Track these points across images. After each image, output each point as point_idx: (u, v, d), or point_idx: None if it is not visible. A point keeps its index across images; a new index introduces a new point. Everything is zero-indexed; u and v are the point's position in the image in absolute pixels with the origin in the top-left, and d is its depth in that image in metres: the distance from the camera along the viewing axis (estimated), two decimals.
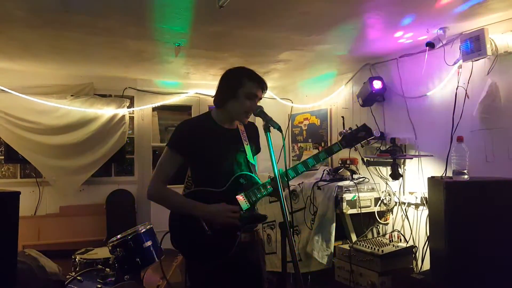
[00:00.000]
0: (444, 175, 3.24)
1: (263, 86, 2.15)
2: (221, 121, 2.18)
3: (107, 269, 3.15)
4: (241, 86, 2.09)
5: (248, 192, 2.09)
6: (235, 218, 2.04)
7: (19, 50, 3.84)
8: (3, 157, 4.74)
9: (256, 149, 2.31)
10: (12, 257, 2.25)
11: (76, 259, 3.32)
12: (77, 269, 3.25)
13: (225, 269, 2.07)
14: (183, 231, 2.11)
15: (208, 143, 2.11)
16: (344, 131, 2.29)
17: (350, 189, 3.75)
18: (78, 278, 3.05)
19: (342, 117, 4.51)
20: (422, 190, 3.54)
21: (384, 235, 3.88)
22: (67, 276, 3.11)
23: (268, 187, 2.11)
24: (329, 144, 4.88)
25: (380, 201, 3.85)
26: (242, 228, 2.07)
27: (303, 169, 2.15)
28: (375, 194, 3.87)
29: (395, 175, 3.60)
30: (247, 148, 2.19)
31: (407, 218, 3.72)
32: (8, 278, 2.20)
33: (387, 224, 3.93)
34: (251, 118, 2.21)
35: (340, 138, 2.29)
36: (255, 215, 2.13)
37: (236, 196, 2.07)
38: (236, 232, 2.05)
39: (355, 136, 2.23)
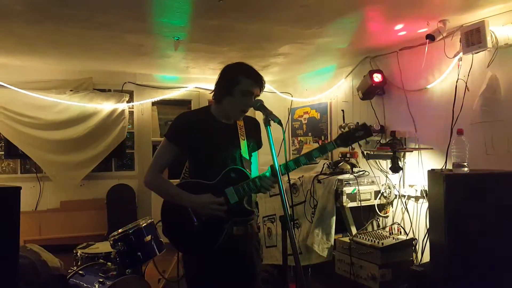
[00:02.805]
0: (444, 168, 3.25)
1: (260, 83, 2.12)
2: (219, 115, 2.20)
3: (109, 263, 3.17)
4: (237, 84, 2.09)
5: (237, 186, 2.10)
6: (220, 210, 2.07)
7: (18, 45, 3.82)
8: (3, 153, 4.74)
9: (257, 145, 2.32)
10: (14, 252, 2.26)
11: (78, 254, 3.34)
12: (79, 263, 3.27)
13: (218, 262, 2.10)
14: (174, 221, 2.16)
15: (204, 137, 2.14)
16: (344, 124, 2.28)
17: (350, 182, 3.76)
18: (80, 272, 3.07)
19: (342, 110, 4.50)
20: (422, 183, 3.55)
21: (384, 228, 3.90)
22: (69, 271, 3.13)
23: (257, 182, 2.10)
24: (329, 137, 4.89)
25: (380, 194, 3.86)
26: (229, 221, 2.09)
27: (294, 167, 2.13)
28: (375, 187, 3.88)
29: (395, 168, 3.61)
30: (243, 144, 2.20)
31: (407, 211, 3.74)
32: (10, 272, 2.21)
33: (387, 217, 3.94)
34: (252, 113, 2.22)
35: (338, 133, 2.27)
36: (242, 209, 2.14)
37: (225, 190, 2.09)
38: (222, 225, 2.08)
39: (353, 135, 2.13)
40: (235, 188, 2.10)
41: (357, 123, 2.25)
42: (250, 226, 2.22)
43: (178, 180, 2.44)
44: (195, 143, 2.13)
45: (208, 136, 2.14)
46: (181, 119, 2.21)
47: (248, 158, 2.22)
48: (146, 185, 2.21)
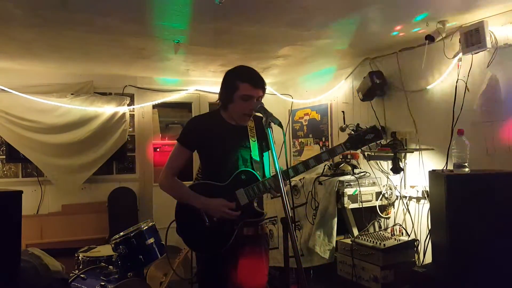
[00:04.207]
0: (445, 168, 3.25)
1: (258, 86, 2.14)
2: (228, 118, 2.25)
3: (110, 267, 3.17)
4: (235, 90, 2.13)
5: (248, 188, 2.13)
6: (231, 214, 2.11)
7: (19, 49, 3.83)
8: (4, 157, 4.75)
9: (267, 145, 2.34)
10: (16, 255, 2.26)
11: (79, 257, 3.34)
12: (81, 267, 3.28)
13: (229, 261, 2.13)
14: (187, 221, 2.22)
15: (215, 139, 2.20)
16: (344, 125, 2.29)
17: (351, 183, 3.76)
18: (82, 276, 3.08)
19: (343, 111, 4.51)
20: (423, 183, 3.55)
21: (385, 229, 3.89)
22: (71, 274, 3.13)
23: (267, 183, 2.13)
24: (329, 139, 4.89)
25: (381, 195, 3.86)
26: (239, 223, 2.12)
27: (303, 169, 2.15)
28: (376, 188, 3.88)
29: (396, 169, 3.61)
30: (253, 145, 2.23)
31: (409, 212, 3.73)
32: (12, 276, 2.22)
33: (388, 218, 3.94)
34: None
35: (346, 137, 2.27)
36: (253, 210, 2.16)
37: (236, 191, 2.11)
38: (233, 227, 2.11)
39: (362, 139, 2.12)
40: (246, 190, 2.14)
41: (357, 124, 2.26)
42: (260, 227, 2.26)
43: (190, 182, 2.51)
44: (206, 146, 2.20)
45: (219, 138, 2.19)
46: (192, 123, 2.29)
47: (258, 159, 2.25)
48: (161, 187, 2.28)
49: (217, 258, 2.16)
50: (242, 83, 2.12)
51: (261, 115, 2.08)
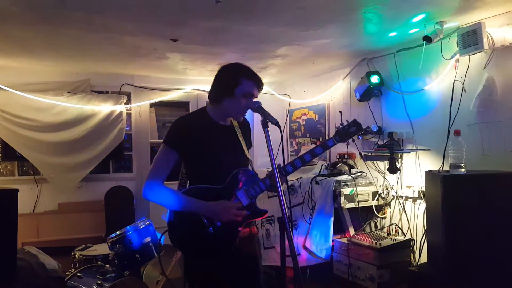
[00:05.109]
0: (441, 168, 3.26)
1: (259, 85, 2.12)
2: (217, 117, 2.16)
3: (107, 265, 3.16)
4: (238, 85, 2.06)
5: (248, 188, 2.09)
6: (240, 215, 2.04)
7: (15, 47, 3.82)
8: (0, 155, 4.73)
9: (250, 144, 2.32)
10: (12, 254, 2.25)
11: (76, 256, 3.33)
12: (77, 265, 3.27)
13: (223, 264, 2.09)
14: (183, 228, 2.10)
15: (204, 140, 2.10)
16: (337, 126, 2.32)
17: (348, 183, 3.77)
18: (78, 274, 3.07)
19: (340, 112, 4.50)
20: (419, 183, 3.56)
21: (382, 228, 3.91)
22: (67, 273, 3.12)
23: (267, 182, 2.12)
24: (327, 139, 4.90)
25: (377, 195, 3.87)
26: (243, 223, 2.08)
27: (300, 164, 2.16)
28: (372, 188, 3.89)
29: (393, 169, 3.62)
30: (243, 144, 2.20)
31: (405, 212, 3.75)
32: (8, 275, 2.21)
33: (384, 217, 3.95)
34: (250, 114, 2.22)
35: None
36: (256, 210, 2.15)
37: (236, 193, 2.08)
38: (237, 228, 2.07)
39: (348, 132, 2.23)
40: (246, 190, 2.10)
41: (346, 120, 2.29)
42: (252, 226, 2.23)
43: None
44: (195, 146, 2.08)
45: (209, 139, 2.10)
46: (179, 123, 2.14)
47: (250, 158, 2.22)
48: (146, 196, 2.09)
49: (213, 262, 2.07)
50: (248, 80, 2.06)
51: (255, 116, 2.06)
